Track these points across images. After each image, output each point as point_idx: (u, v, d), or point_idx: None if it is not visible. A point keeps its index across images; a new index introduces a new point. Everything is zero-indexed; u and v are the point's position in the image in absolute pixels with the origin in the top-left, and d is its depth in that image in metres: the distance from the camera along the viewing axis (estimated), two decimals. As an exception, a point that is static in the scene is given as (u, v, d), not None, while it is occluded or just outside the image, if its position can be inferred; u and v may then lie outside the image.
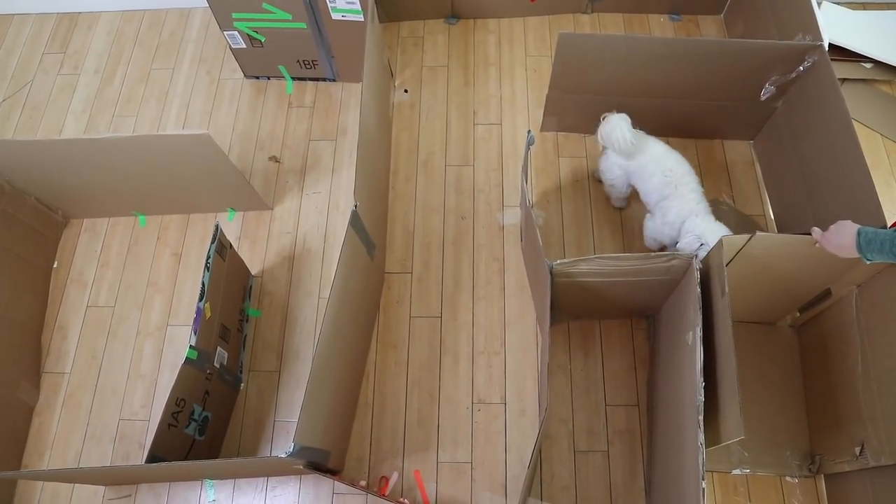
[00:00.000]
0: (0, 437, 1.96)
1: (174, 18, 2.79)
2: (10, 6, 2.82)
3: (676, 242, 1.93)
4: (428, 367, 2.06)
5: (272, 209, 2.33)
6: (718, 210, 2.25)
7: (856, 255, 1.43)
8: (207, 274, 1.82)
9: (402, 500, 1.88)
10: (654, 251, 2.05)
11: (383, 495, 1.86)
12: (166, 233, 2.32)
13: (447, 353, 2.08)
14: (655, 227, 2.02)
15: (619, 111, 2.00)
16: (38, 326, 2.18)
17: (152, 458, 1.65)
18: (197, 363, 1.76)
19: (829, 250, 1.51)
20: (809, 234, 1.57)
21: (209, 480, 1.96)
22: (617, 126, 1.95)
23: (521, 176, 2.12)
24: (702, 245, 1.82)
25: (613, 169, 2.09)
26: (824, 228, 1.52)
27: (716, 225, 1.85)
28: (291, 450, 1.48)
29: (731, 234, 1.79)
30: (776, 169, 2.21)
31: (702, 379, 1.46)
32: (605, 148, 2.07)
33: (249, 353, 2.11)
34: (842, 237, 1.47)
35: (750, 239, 1.60)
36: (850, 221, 1.48)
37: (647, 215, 2.08)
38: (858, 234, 1.42)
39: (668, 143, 2.36)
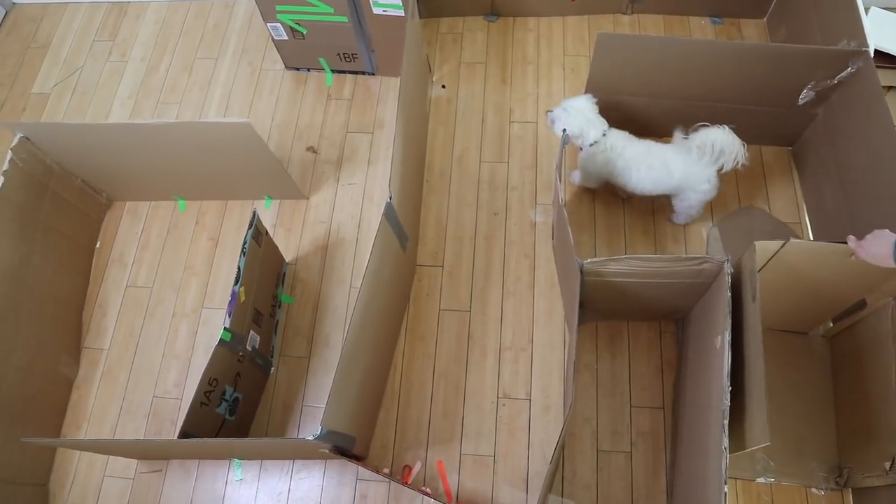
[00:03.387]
0: (41, 407, 2.03)
1: (219, 9, 2.85)
2: (64, -6, 2.91)
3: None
4: (455, 360, 2.08)
5: (308, 198, 2.37)
6: (752, 216, 2.23)
7: (892, 265, 1.41)
8: (243, 258, 1.86)
9: (424, 489, 1.90)
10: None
11: (406, 483, 1.89)
12: (204, 218, 2.37)
13: (475, 347, 2.10)
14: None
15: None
16: (79, 303, 2.25)
17: (184, 434, 1.70)
18: (230, 345, 1.81)
19: (865, 259, 1.49)
20: (845, 242, 1.55)
21: (237, 460, 2.01)
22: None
23: (554, 174, 2.13)
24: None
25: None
26: (861, 238, 1.50)
27: None
28: (319, 433, 1.51)
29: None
30: (814, 176, 2.18)
31: (728, 383, 1.45)
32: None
33: (281, 339, 2.15)
34: (878, 246, 1.45)
35: (783, 245, 1.58)
36: (887, 230, 1.45)
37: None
38: (896, 243, 1.40)
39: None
